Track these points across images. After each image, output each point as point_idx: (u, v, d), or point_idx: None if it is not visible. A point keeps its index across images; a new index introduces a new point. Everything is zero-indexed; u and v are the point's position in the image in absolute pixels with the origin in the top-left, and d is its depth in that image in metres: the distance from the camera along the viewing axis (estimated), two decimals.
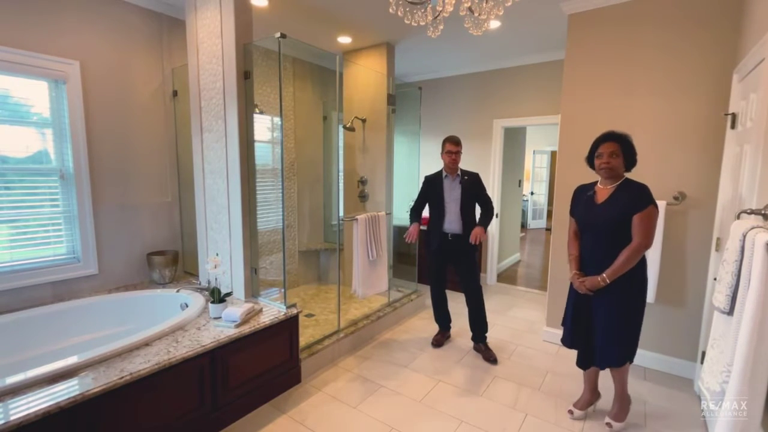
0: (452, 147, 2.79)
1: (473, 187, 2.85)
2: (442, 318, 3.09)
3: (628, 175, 1.94)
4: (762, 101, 1.67)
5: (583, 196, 2.05)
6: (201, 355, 1.88)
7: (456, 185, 2.84)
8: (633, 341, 1.95)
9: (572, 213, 2.12)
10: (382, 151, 3.79)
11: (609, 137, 1.91)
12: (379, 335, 3.19)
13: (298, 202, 4.03)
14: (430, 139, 4.76)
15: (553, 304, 3.04)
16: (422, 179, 3.03)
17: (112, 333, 2.35)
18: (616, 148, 1.87)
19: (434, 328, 3.22)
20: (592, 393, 2.19)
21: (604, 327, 1.94)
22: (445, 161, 2.83)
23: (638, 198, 1.83)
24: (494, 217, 2.85)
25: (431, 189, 2.91)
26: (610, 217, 1.88)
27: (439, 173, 2.92)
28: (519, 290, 4.47)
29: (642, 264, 1.91)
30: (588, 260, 2.00)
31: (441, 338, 3.07)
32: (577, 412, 2.16)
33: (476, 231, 2.69)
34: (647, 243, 1.82)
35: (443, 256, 2.91)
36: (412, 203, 3.03)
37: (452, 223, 2.82)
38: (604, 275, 1.87)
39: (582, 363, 2.14)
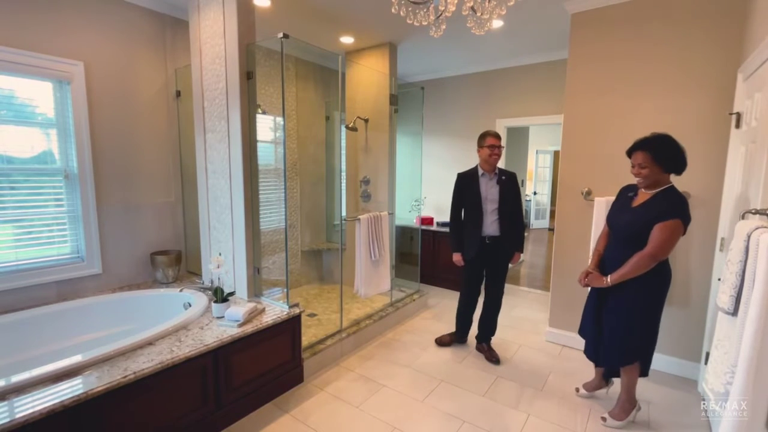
0: (495, 141, 2.58)
1: (511, 189, 2.68)
2: (464, 325, 2.95)
3: (677, 178, 1.85)
4: (767, 100, 1.66)
5: (624, 195, 2.01)
6: (204, 355, 1.89)
7: (494, 184, 2.65)
8: (640, 345, 1.91)
9: (609, 212, 2.10)
10: (384, 151, 3.78)
11: (636, 147, 1.84)
12: (382, 335, 3.19)
13: (301, 202, 4.04)
14: (432, 140, 4.76)
15: (556, 305, 3.03)
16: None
17: (116, 332, 2.37)
18: (644, 159, 1.80)
19: (436, 327, 3.22)
20: (601, 380, 2.28)
21: (611, 327, 1.95)
22: (484, 156, 2.62)
23: (667, 209, 1.75)
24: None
25: (467, 188, 2.70)
26: (635, 222, 1.84)
27: (474, 171, 2.72)
28: (522, 290, 4.45)
29: (662, 272, 1.85)
30: (607, 259, 2.01)
31: (449, 340, 2.98)
32: (583, 391, 2.31)
33: (516, 257, 2.75)
34: (658, 254, 1.75)
35: (480, 261, 2.73)
36: (449, 214, 2.81)
37: (489, 225, 2.64)
38: (609, 278, 1.88)
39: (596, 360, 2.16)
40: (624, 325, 1.90)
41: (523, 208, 2.77)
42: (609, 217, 2.04)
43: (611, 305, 1.97)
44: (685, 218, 1.74)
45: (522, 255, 2.77)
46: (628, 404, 2.06)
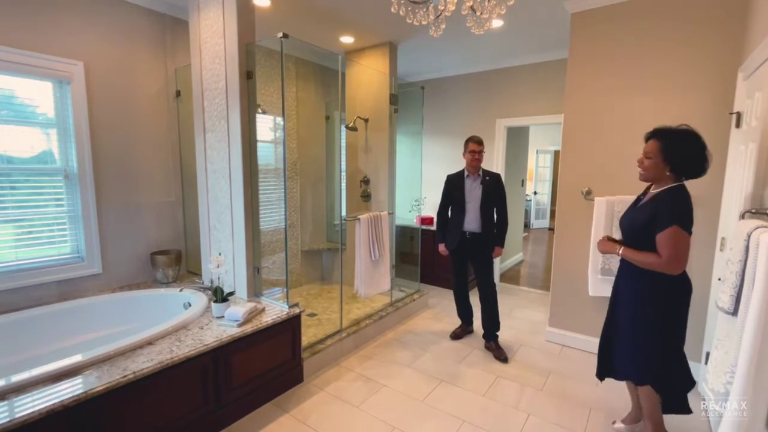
0: (475, 146, 2.83)
1: (494, 189, 2.89)
2: (463, 312, 3.17)
3: (692, 182, 1.61)
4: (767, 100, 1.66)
5: (638, 198, 1.86)
6: (204, 354, 1.89)
7: (477, 185, 2.88)
8: (649, 359, 1.71)
9: None
10: (384, 150, 3.78)
11: (652, 134, 1.65)
12: (382, 335, 3.19)
13: (301, 201, 4.04)
14: (432, 139, 4.76)
15: (557, 305, 3.03)
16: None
17: (116, 332, 2.37)
18: (652, 148, 1.62)
19: (437, 327, 3.23)
20: (639, 408, 1.97)
21: (621, 336, 1.83)
22: (468, 161, 2.87)
23: (660, 213, 1.55)
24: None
25: (454, 188, 2.97)
26: (633, 224, 1.72)
27: (461, 173, 2.97)
28: (522, 290, 4.45)
29: (670, 285, 1.63)
30: (620, 265, 1.87)
31: (461, 332, 3.17)
32: (619, 425, 2.03)
33: (497, 252, 2.91)
34: (670, 266, 1.54)
35: (462, 253, 2.96)
36: (437, 208, 3.08)
37: (471, 222, 2.87)
38: (621, 249, 1.70)
39: (599, 372, 1.99)
40: (632, 339, 1.74)
41: (507, 205, 2.99)
42: (620, 219, 1.91)
43: (622, 322, 1.82)
44: (683, 222, 1.53)
45: (503, 250, 2.97)
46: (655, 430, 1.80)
